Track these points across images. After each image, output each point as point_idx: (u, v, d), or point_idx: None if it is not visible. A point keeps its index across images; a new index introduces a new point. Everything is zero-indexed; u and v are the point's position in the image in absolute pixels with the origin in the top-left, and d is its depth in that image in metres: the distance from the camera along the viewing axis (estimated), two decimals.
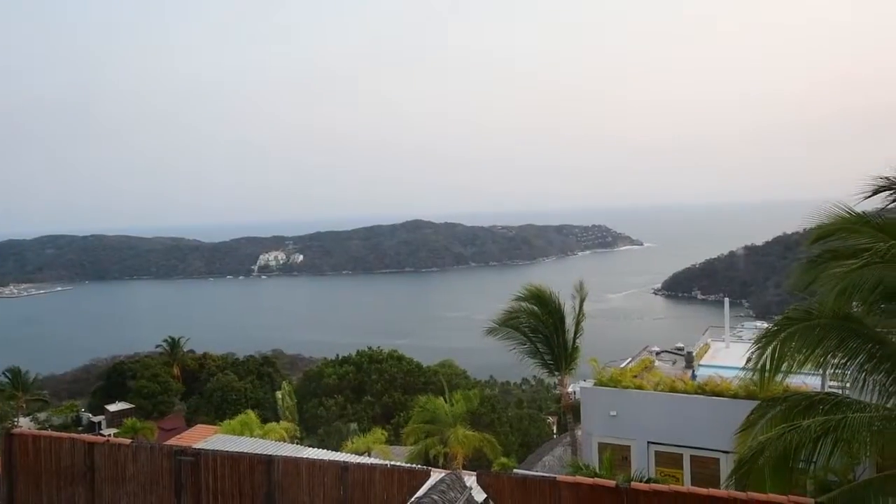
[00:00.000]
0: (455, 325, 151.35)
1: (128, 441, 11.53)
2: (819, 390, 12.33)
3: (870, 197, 10.93)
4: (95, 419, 56.82)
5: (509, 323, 21.40)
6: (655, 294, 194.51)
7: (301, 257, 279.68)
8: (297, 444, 25.36)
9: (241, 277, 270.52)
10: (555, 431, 47.22)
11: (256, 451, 13.27)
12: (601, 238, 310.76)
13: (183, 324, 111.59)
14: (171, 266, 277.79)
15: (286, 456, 11.35)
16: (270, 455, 11.10)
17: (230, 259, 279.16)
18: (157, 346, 69.05)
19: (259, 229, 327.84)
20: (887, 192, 10.80)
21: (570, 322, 21.69)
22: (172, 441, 22.70)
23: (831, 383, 13.88)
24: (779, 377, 10.42)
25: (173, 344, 66.69)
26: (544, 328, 21.37)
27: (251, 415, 29.37)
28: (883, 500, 9.84)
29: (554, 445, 29.40)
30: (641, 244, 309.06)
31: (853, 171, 10.94)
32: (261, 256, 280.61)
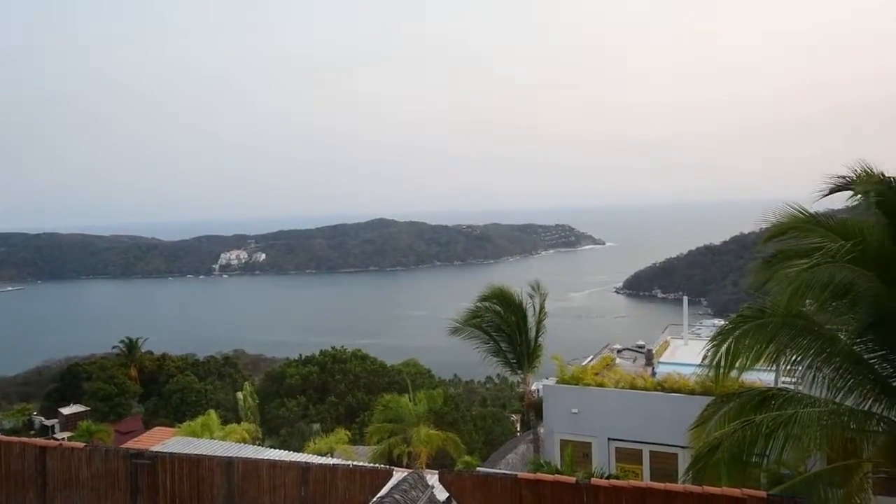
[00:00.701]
0: (419, 324, 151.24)
1: (82, 445, 11.22)
2: (772, 386, 12.67)
3: (827, 196, 11.26)
4: (48, 423, 55.09)
5: (472, 322, 21.48)
6: (617, 293, 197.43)
7: (263, 256, 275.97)
8: (259, 445, 25.03)
9: (201, 277, 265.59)
10: (518, 429, 47.52)
11: (216, 453, 13.06)
12: (564, 237, 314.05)
13: (141, 324, 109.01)
14: (130, 265, 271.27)
15: (246, 457, 11.18)
16: (230, 457, 10.93)
17: (190, 258, 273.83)
18: (114, 347, 67.31)
19: (220, 227, 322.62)
20: (843, 192, 11.15)
21: (532, 321, 21.86)
22: (129, 444, 22.13)
23: (784, 379, 14.27)
24: (734, 373, 10.69)
25: (131, 345, 65.10)
26: (507, 327, 21.51)
27: (212, 416, 28.83)
28: (832, 491, 10.19)
29: (517, 443, 29.55)
30: (604, 243, 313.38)
31: (812, 172, 11.23)
32: (222, 255, 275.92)
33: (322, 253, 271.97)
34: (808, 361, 10.30)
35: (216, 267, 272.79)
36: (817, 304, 10.09)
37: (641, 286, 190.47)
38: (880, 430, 10.06)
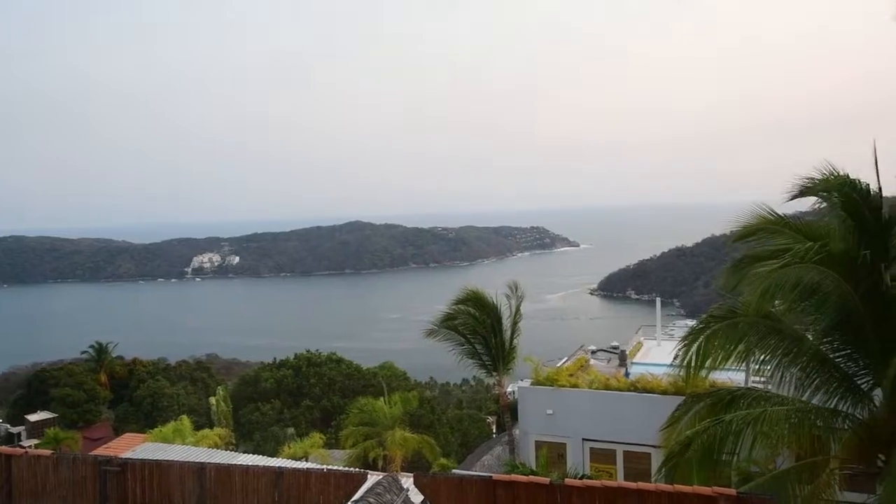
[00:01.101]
0: (395, 327, 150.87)
1: (49, 452, 10.97)
2: (742, 385, 12.88)
3: (796, 197, 11.47)
4: (14, 430, 53.70)
5: (448, 324, 21.49)
6: (591, 294, 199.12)
7: (237, 259, 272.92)
8: (232, 450, 24.75)
9: (173, 280, 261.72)
10: (494, 431, 47.64)
11: (188, 459, 12.87)
12: (539, 239, 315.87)
13: (111, 328, 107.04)
14: (99, 268, 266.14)
15: (218, 463, 11.03)
16: (202, 463, 10.77)
17: (162, 261, 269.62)
18: (83, 353, 65.88)
19: (193, 230, 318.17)
20: (812, 194, 11.37)
21: (507, 323, 21.94)
22: (98, 451, 21.73)
23: (754, 378, 14.50)
24: (704, 373, 10.85)
25: (100, 349, 63.80)
26: (482, 329, 21.56)
27: (184, 421, 28.48)
28: (800, 488, 10.38)
29: (493, 445, 29.61)
30: (578, 245, 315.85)
31: (785, 175, 11.44)
32: (195, 258, 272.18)
33: (297, 255, 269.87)
34: (776, 361, 10.49)
35: (189, 270, 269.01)
36: (786, 304, 10.28)
37: (615, 288, 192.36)
38: (846, 427, 10.28)
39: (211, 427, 31.78)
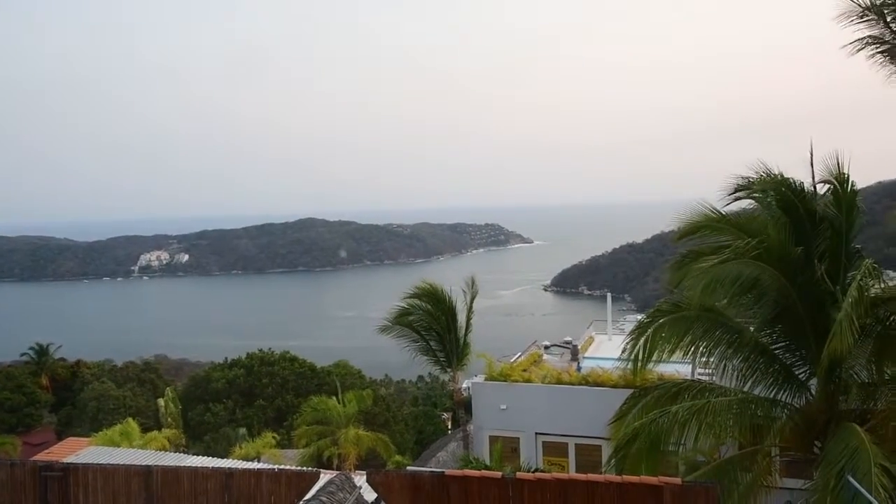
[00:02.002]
0: (350, 325, 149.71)
1: None
2: (688, 377, 13.26)
3: (731, 195, 11.88)
4: None
5: (402, 321, 21.46)
6: (545, 290, 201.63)
7: (186, 257, 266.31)
8: (182, 452, 24.21)
9: (119, 279, 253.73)
10: (449, 427, 47.83)
11: (134, 463, 12.55)
12: (494, 236, 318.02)
13: (53, 329, 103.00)
14: (39, 267, 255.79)
15: (166, 466, 10.79)
16: (149, 466, 10.51)
17: (107, 259, 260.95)
18: (23, 355, 63.27)
19: (139, 227, 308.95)
20: (746, 192, 11.80)
21: (462, 319, 22.04)
22: (39, 456, 20.93)
23: (700, 371, 14.95)
24: (651, 366, 11.14)
25: (41, 351, 61.39)
26: (437, 325, 21.60)
27: (131, 424, 27.68)
28: (742, 475, 10.78)
29: (448, 441, 29.77)
30: (532, 242, 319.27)
31: (729, 173, 11.86)
32: (142, 256, 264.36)
33: (248, 253, 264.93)
34: (719, 353, 10.87)
35: (135, 268, 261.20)
36: (727, 298, 10.65)
37: (568, 283, 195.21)
38: (784, 416, 10.72)
39: (159, 429, 30.94)
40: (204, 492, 9.62)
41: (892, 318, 10.41)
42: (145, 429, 30.26)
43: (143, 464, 11.68)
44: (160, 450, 22.59)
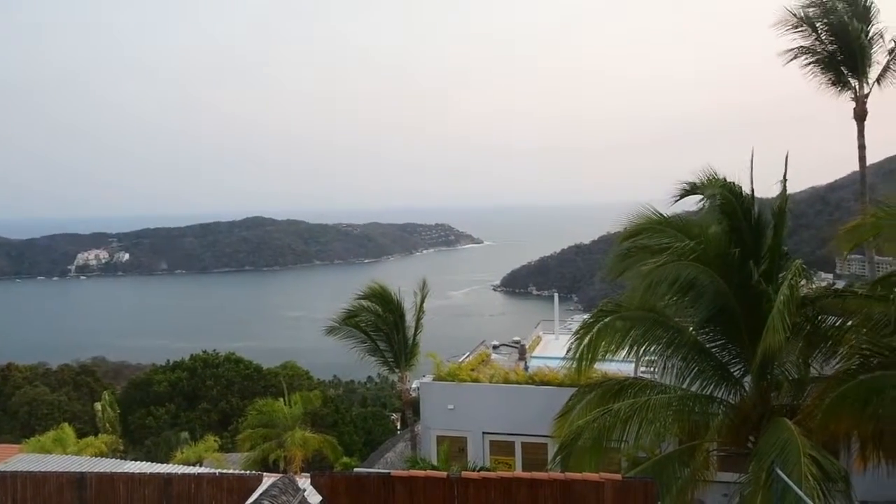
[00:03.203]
0: (298, 325, 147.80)
1: None
2: (630, 376, 13.57)
3: (678, 199, 12.24)
4: None
5: (349, 322, 21.31)
6: (495, 290, 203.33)
7: (127, 256, 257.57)
8: (119, 458, 23.41)
9: (55, 278, 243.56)
10: (399, 428, 47.70)
11: (67, 470, 12.10)
12: (444, 237, 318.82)
13: None
14: None
15: (101, 472, 10.45)
16: (82, 472, 10.16)
17: (42, 258, 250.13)
18: None
19: (77, 225, 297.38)
20: (692, 196, 12.18)
21: (411, 319, 22.03)
22: None
23: (643, 369, 15.33)
24: (595, 364, 11.37)
25: None
26: (385, 326, 21.53)
27: (65, 430, 26.63)
28: (680, 470, 11.10)
29: (396, 442, 29.69)
30: (482, 242, 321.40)
31: (675, 176, 12.24)
32: (79, 255, 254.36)
33: (193, 252, 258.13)
34: (660, 352, 11.17)
35: (72, 268, 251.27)
36: (667, 298, 10.96)
37: (517, 284, 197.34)
38: (720, 412, 11.09)
39: (96, 435, 29.88)
40: (141, 498, 9.35)
41: (819, 317, 10.90)
42: (81, 434, 29.18)
43: (77, 470, 11.28)
44: (96, 456, 21.80)
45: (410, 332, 21.70)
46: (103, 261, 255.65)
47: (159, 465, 16.02)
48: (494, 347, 27.54)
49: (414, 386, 23.85)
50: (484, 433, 19.16)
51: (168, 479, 9.44)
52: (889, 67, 20.93)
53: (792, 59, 21.62)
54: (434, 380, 20.01)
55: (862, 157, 22.41)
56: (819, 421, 9.91)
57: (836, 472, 9.24)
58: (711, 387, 11.10)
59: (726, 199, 11.39)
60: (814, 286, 12.32)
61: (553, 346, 25.48)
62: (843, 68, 21.46)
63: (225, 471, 12.36)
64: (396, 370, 21.90)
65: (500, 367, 21.66)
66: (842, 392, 9.93)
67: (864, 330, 10.39)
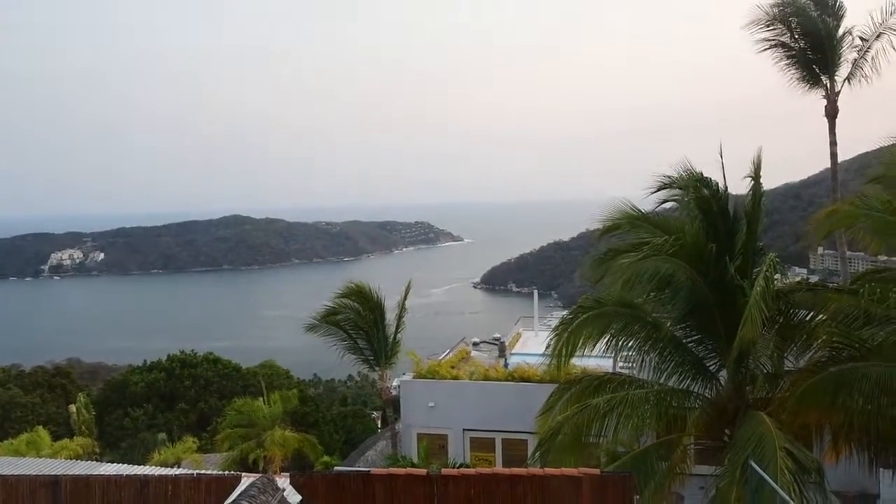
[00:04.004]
0: (277, 325, 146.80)
1: None
2: (609, 371, 13.70)
3: (654, 193, 12.33)
4: None
5: (329, 320, 21.24)
6: (475, 288, 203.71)
7: (102, 255, 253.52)
8: (95, 460, 23.09)
9: (27, 279, 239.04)
10: (379, 426, 47.61)
11: (41, 473, 11.90)
12: (424, 234, 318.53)
13: None
14: None
15: (76, 475, 10.27)
16: (57, 475, 9.98)
17: (14, 258, 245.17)
18: None
19: (50, 224, 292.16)
20: (667, 190, 12.29)
21: (392, 317, 22.01)
22: None
23: (622, 365, 15.47)
24: (574, 360, 11.45)
25: None
26: (365, 324, 21.49)
27: (40, 432, 26.24)
28: (658, 464, 11.22)
29: (377, 440, 29.62)
30: (462, 240, 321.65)
31: (651, 172, 12.34)
32: (53, 255, 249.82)
33: (169, 251, 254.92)
34: (637, 347, 11.28)
35: (46, 268, 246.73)
36: (645, 294, 11.06)
37: (497, 281, 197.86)
38: (697, 406, 11.23)
39: (71, 437, 29.41)
40: (117, 501, 9.21)
41: (792, 310, 11.07)
42: (56, 437, 28.72)
43: (52, 473, 11.08)
44: (71, 458, 21.49)
45: (391, 330, 21.69)
46: (78, 261, 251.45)
47: (136, 467, 15.81)
48: (474, 345, 27.60)
49: (394, 384, 23.83)
50: (464, 430, 19.21)
51: (145, 480, 9.30)
52: (858, 66, 21.35)
53: (764, 50, 21.96)
54: (414, 377, 20.01)
55: (833, 154, 22.84)
56: (789, 412, 10.08)
57: (811, 463, 9.40)
58: (688, 381, 11.24)
59: (701, 194, 11.52)
60: (788, 281, 12.53)
61: (533, 343, 25.61)
62: (814, 66, 21.84)
63: (203, 471, 12.24)
64: (377, 368, 21.88)
65: (481, 364, 21.73)
66: (812, 384, 10.12)
67: (835, 323, 10.58)
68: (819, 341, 10.75)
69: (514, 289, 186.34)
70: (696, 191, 11.55)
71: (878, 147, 13.36)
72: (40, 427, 28.18)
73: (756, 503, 8.54)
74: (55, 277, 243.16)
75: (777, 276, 10.68)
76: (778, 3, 21.55)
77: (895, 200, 10.38)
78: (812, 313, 10.98)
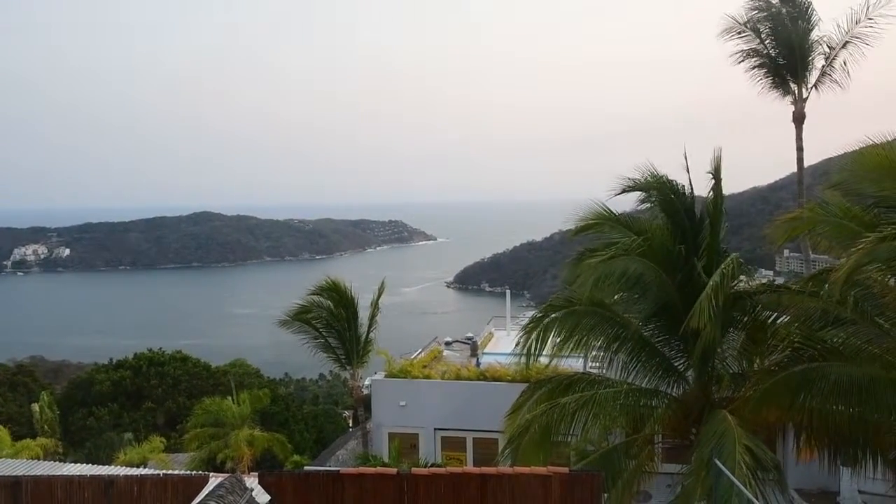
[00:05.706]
0: (248, 323, 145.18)
1: None
2: (579, 371, 13.82)
3: (618, 195, 12.45)
4: None
5: (301, 318, 21.06)
6: (448, 287, 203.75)
7: (67, 251, 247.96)
8: (59, 461, 22.58)
9: None
10: (350, 425, 47.38)
11: (2, 474, 11.60)
12: (397, 233, 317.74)
13: None
14: None
15: (38, 475, 10.05)
16: (17, 476, 9.76)
17: None
18: None
19: (12, 218, 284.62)
20: (637, 193, 12.44)
21: (364, 316, 21.90)
22: None
23: (592, 364, 15.63)
24: (544, 359, 11.54)
25: None
26: (337, 322, 21.35)
27: (1, 432, 25.61)
28: (626, 462, 11.38)
29: (348, 439, 29.47)
30: (435, 239, 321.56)
31: (620, 174, 12.46)
32: (15, 250, 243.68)
33: (138, 247, 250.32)
34: (606, 346, 11.42)
35: (8, 263, 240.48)
36: (614, 293, 11.20)
37: (470, 280, 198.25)
38: (664, 405, 11.40)
39: (33, 437, 28.73)
40: (81, 501, 9.04)
41: (757, 310, 11.30)
42: (17, 437, 28.04)
43: (12, 474, 10.82)
44: (33, 459, 20.98)
45: (363, 329, 21.58)
46: (42, 256, 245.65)
47: (101, 467, 15.50)
48: (447, 344, 27.64)
49: (366, 383, 23.74)
50: (436, 429, 19.23)
51: (109, 480, 9.15)
52: (826, 73, 21.86)
53: (739, 62, 22.38)
54: (386, 376, 19.97)
55: (800, 159, 23.37)
56: (750, 410, 10.29)
57: (769, 461, 9.62)
58: (656, 380, 11.40)
59: (667, 196, 11.71)
60: (754, 282, 12.77)
61: (505, 343, 25.72)
62: (784, 72, 22.31)
63: (170, 471, 12.06)
64: (348, 367, 21.75)
65: (453, 363, 21.78)
66: (773, 383, 10.35)
67: (797, 324, 10.82)
68: (782, 342, 10.98)
69: (487, 288, 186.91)
70: (661, 193, 11.73)
71: (842, 153, 13.69)
72: (1, 426, 27.47)
73: (716, 497, 8.72)
74: (18, 273, 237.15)
75: (743, 277, 10.89)
76: (750, 8, 21.97)
77: (854, 207, 10.65)
78: (776, 314, 11.21)
